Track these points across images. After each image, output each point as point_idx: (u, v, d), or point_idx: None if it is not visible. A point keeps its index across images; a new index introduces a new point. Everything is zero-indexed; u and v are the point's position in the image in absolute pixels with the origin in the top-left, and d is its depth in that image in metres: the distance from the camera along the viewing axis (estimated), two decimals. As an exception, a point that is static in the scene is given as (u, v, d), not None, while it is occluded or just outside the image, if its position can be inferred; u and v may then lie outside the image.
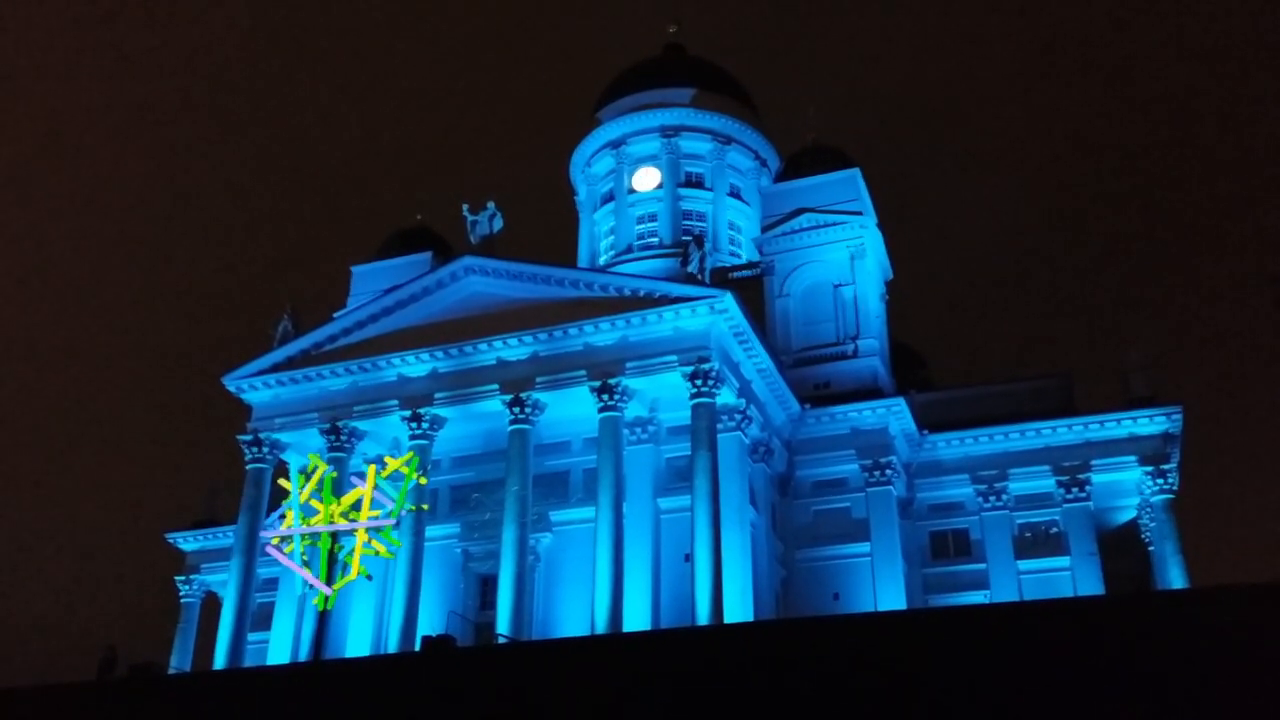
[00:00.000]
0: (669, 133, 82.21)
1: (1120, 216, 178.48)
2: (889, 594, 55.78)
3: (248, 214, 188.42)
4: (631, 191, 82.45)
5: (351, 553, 38.64)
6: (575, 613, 52.14)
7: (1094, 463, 60.28)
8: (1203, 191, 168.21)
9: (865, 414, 59.77)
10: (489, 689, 34.65)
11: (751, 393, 56.01)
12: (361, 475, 40.56)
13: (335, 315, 63.43)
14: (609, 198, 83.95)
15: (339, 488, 41.80)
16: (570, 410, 54.31)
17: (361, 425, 57.21)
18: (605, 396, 52.38)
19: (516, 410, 53.62)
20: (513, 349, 54.67)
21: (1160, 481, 59.49)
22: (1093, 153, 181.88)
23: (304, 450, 57.12)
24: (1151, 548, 61.52)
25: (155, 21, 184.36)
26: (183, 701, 40.50)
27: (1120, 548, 63.58)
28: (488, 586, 55.47)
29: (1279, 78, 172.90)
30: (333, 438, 56.76)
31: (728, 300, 52.12)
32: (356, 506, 39.29)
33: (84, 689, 43.39)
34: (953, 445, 62.39)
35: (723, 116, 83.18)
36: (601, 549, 49.47)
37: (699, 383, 51.20)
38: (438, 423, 55.71)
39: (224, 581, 59.16)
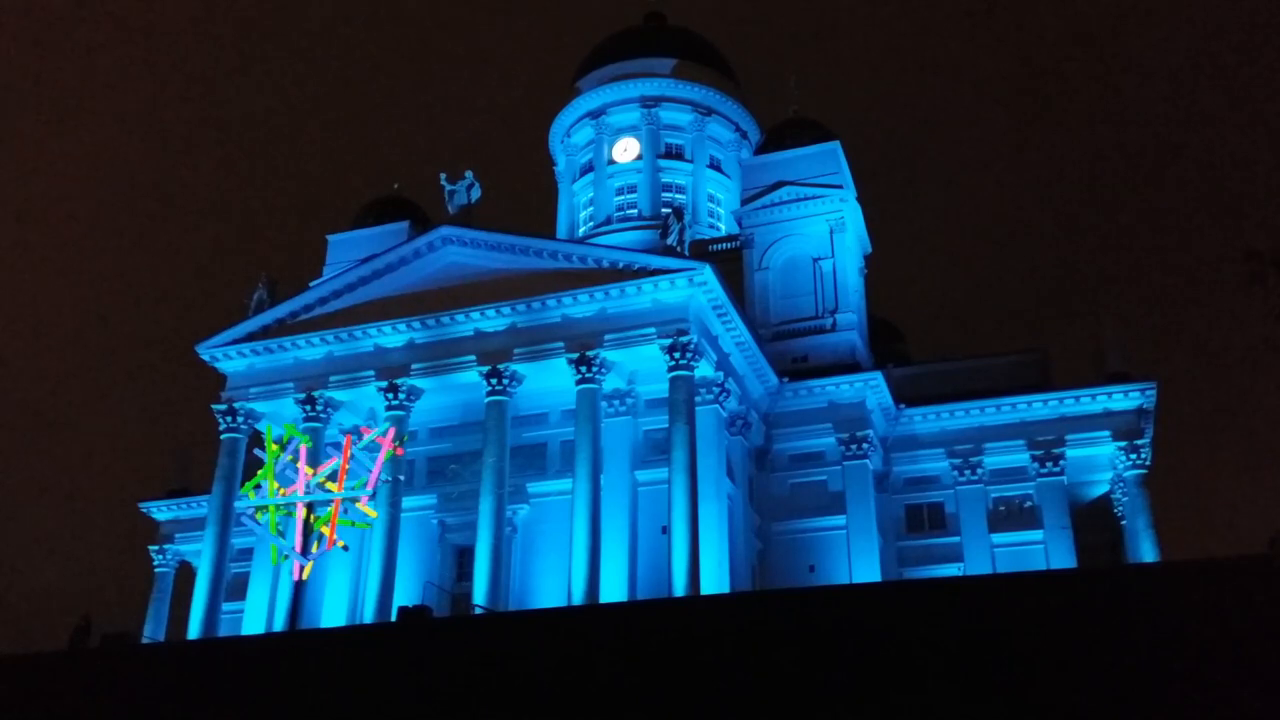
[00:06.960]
0: (649, 103, 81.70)
1: (1098, 193, 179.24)
2: (864, 566, 56.15)
3: (224, 182, 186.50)
4: (611, 162, 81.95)
5: (327, 523, 38.43)
6: (552, 584, 52.17)
7: (1068, 438, 60.69)
8: (1179, 168, 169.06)
9: (843, 388, 59.92)
10: (465, 660, 34.69)
11: (730, 366, 56.00)
12: (337, 445, 40.30)
13: (311, 284, 62.86)
14: (588, 168, 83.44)
15: (315, 458, 41.51)
16: (548, 382, 54.15)
17: (338, 395, 56.87)
18: (583, 368, 52.25)
19: (494, 381, 53.41)
20: (490, 320, 54.38)
21: (1133, 457, 60.01)
22: (1071, 130, 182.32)
23: (279, 420, 56.52)
24: (1124, 522, 62.12)
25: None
26: (157, 671, 40.37)
27: (1093, 522, 64.25)
28: (464, 558, 55.42)
29: (1253, 63, 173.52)
30: (308, 408, 56.41)
31: (707, 273, 51.97)
32: (332, 477, 39.05)
33: (57, 658, 43.19)
34: (929, 419, 62.70)
35: (703, 87, 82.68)
36: (579, 521, 49.49)
37: (677, 355, 51.11)
38: (415, 393, 55.43)
39: (198, 551, 58.82)
